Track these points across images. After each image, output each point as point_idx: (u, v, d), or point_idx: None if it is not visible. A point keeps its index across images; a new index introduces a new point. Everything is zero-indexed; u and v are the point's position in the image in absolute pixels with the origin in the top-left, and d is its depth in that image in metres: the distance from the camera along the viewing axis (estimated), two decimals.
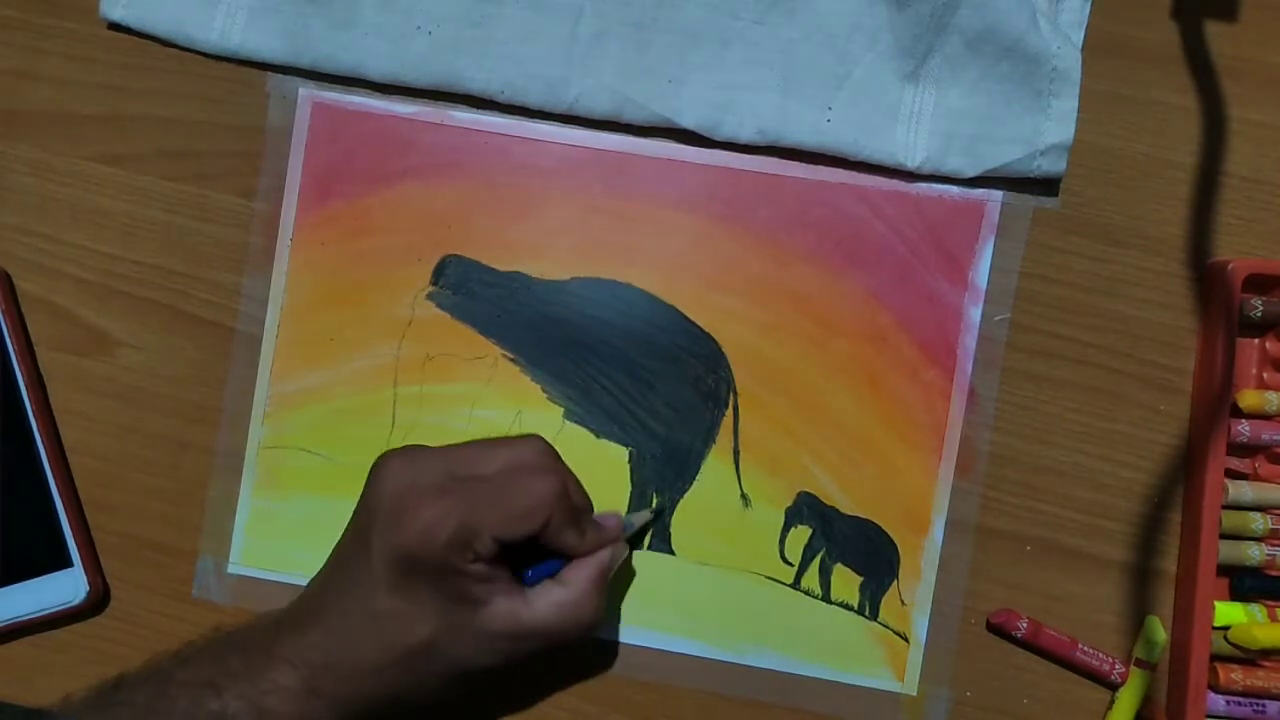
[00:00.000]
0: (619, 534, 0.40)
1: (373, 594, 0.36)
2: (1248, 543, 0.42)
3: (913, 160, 0.42)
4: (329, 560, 0.39)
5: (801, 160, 0.43)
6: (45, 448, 0.43)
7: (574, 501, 0.38)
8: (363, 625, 0.36)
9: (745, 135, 0.43)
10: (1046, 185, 0.43)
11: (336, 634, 0.36)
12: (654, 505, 0.43)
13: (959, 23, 0.41)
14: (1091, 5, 0.43)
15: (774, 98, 0.42)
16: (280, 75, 0.44)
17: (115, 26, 0.44)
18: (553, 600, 0.37)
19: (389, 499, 0.36)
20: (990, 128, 0.42)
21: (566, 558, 0.38)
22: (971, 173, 0.42)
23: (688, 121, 0.43)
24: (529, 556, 0.38)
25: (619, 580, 0.43)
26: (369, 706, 0.37)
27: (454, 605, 0.36)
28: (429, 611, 0.36)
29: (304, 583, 0.43)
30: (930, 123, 0.42)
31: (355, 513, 0.38)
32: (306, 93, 0.44)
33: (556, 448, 0.40)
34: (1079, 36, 0.42)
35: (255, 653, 0.36)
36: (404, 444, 0.38)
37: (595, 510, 0.40)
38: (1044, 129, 0.42)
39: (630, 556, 0.43)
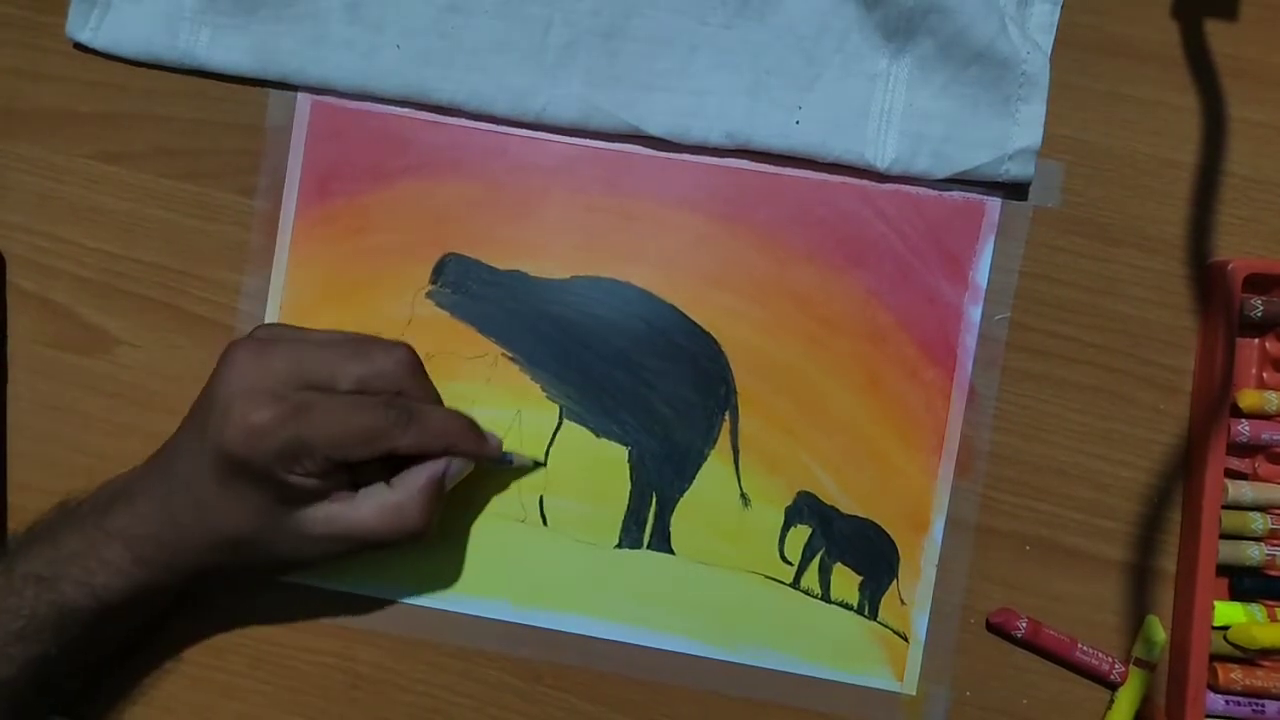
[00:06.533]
0: (469, 445, 0.39)
1: (199, 480, 0.37)
2: (1247, 543, 0.42)
3: (882, 161, 0.42)
4: (176, 432, 0.39)
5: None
6: None
7: (423, 425, 0.37)
8: (187, 508, 0.37)
9: (714, 139, 0.43)
10: (1046, 185, 0.43)
11: (162, 509, 0.37)
12: (537, 460, 0.43)
13: (929, 26, 0.41)
14: (1091, 5, 0.43)
15: (743, 100, 0.42)
16: None
17: (81, 48, 0.44)
18: (379, 502, 0.37)
19: (227, 394, 0.36)
20: (959, 131, 0.42)
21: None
22: (940, 175, 0.42)
23: (654, 128, 0.43)
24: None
25: (606, 572, 0.43)
26: (196, 574, 0.38)
27: (275, 507, 0.37)
28: (249, 509, 0.37)
29: (303, 583, 0.43)
30: (900, 124, 0.42)
31: (201, 393, 0.38)
32: (306, 91, 0.44)
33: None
34: (1048, 41, 0.42)
35: (89, 529, 0.37)
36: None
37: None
38: (1012, 133, 0.42)
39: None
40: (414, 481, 0.38)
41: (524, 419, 0.43)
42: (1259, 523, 0.42)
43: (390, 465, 0.38)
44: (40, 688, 0.37)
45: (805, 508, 0.43)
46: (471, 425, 0.39)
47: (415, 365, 0.39)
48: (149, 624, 0.41)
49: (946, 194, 0.43)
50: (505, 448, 0.42)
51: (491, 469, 0.42)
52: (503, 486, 0.43)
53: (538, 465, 0.43)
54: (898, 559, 0.43)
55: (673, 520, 0.43)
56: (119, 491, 0.38)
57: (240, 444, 0.35)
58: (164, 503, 0.37)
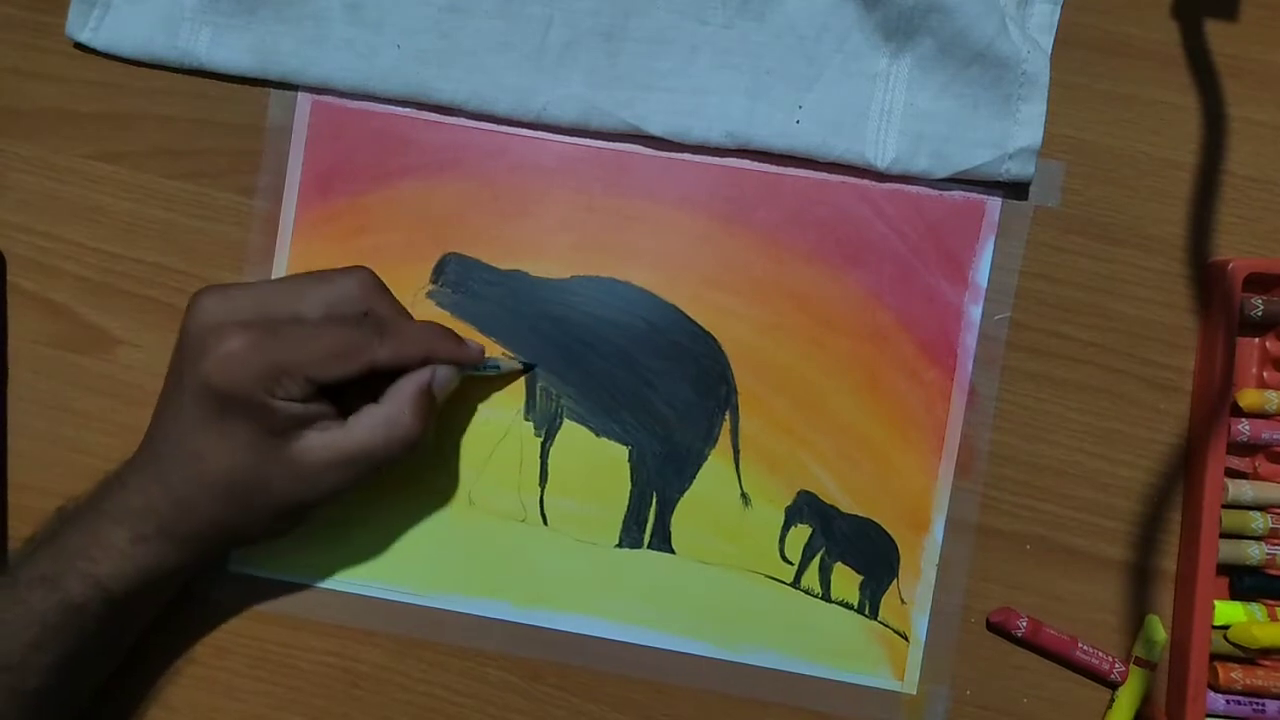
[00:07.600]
0: (448, 350, 0.39)
1: (187, 430, 0.36)
2: (1247, 542, 0.42)
3: (882, 161, 0.42)
4: (155, 406, 0.39)
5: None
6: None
7: (399, 336, 0.37)
8: (178, 463, 0.37)
9: (715, 139, 0.43)
10: (1047, 185, 0.43)
11: (153, 477, 0.37)
12: (526, 364, 0.43)
13: (929, 26, 0.41)
14: (1091, 5, 0.43)
15: (743, 100, 0.42)
16: None
17: (81, 48, 0.44)
18: (371, 419, 0.37)
19: (198, 332, 0.36)
20: (959, 130, 0.42)
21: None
22: (940, 174, 0.42)
23: (655, 128, 0.43)
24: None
25: (606, 572, 0.43)
26: (200, 544, 0.38)
27: (267, 439, 0.36)
28: (240, 445, 0.36)
29: (304, 582, 0.43)
30: (900, 123, 0.42)
31: (174, 350, 0.38)
32: (306, 91, 0.44)
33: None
34: (1048, 41, 0.42)
35: (86, 520, 0.37)
36: None
37: None
38: (1012, 133, 0.42)
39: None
40: (402, 392, 0.38)
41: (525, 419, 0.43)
42: (1259, 522, 0.42)
43: (376, 393, 0.38)
44: (64, 692, 0.37)
45: (805, 507, 0.43)
46: (448, 332, 0.40)
47: (377, 284, 0.39)
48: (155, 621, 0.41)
49: (946, 193, 0.43)
50: (503, 445, 0.42)
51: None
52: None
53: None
54: (898, 558, 0.43)
55: (673, 520, 0.43)
56: (111, 479, 0.38)
57: (219, 373, 0.35)
58: (154, 471, 0.37)
